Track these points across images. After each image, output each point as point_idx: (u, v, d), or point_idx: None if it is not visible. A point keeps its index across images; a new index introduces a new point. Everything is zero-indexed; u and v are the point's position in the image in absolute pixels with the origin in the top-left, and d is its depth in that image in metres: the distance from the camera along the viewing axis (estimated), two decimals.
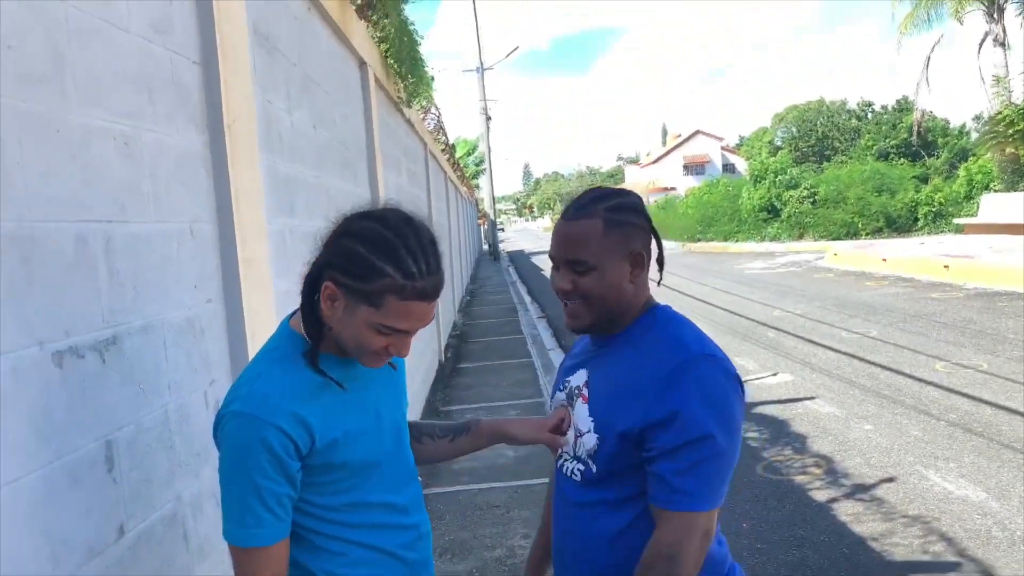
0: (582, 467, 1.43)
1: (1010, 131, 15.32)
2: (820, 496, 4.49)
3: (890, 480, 4.61)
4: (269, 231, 2.33)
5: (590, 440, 1.40)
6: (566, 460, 1.48)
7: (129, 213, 1.55)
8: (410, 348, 1.30)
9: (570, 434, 1.47)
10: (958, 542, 3.76)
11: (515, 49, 35.37)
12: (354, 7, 4.43)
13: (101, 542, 1.36)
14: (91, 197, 1.42)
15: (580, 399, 1.46)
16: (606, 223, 1.38)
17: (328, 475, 1.27)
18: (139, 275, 1.57)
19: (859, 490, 4.52)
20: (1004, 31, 17.36)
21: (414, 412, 5.69)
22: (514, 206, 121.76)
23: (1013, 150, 15.55)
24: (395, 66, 5.67)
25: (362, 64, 4.68)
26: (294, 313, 1.34)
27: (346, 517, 1.31)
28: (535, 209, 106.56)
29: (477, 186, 34.55)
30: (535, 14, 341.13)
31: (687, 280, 17.37)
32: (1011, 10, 17.23)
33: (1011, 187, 16.22)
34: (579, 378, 1.50)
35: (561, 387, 1.55)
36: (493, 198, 34.18)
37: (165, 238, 1.70)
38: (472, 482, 4.88)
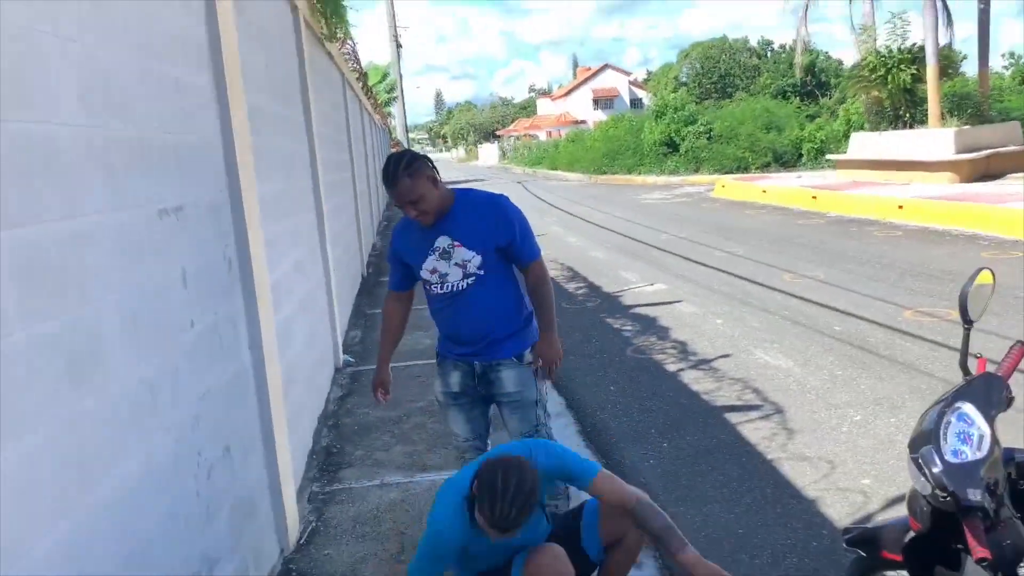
0: (472, 278, 2.59)
1: (873, 76, 16.95)
2: (672, 368, 5.73)
3: (726, 356, 5.90)
4: (250, 145, 3.15)
5: (476, 260, 2.57)
6: (456, 282, 2.61)
7: (184, 128, 2.39)
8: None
9: (455, 270, 2.60)
10: (764, 393, 5.06)
11: None
12: None
13: (184, 326, 2.25)
14: (173, 118, 2.26)
15: (455, 246, 2.61)
16: (410, 176, 2.54)
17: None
18: (192, 167, 2.42)
19: (702, 363, 5.79)
20: None
21: (343, 316, 6.57)
22: (427, 136, 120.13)
23: (876, 93, 17.24)
24: (319, 6, 6.32)
25: (294, 8, 5.35)
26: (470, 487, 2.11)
27: None
28: (448, 140, 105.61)
29: (390, 114, 34.44)
30: None
31: (591, 209, 18.63)
32: None
33: (875, 127, 18.03)
34: (443, 241, 2.63)
35: (430, 253, 2.64)
36: (406, 126, 34.28)
37: (201, 145, 2.54)
38: (397, 361, 5.84)
